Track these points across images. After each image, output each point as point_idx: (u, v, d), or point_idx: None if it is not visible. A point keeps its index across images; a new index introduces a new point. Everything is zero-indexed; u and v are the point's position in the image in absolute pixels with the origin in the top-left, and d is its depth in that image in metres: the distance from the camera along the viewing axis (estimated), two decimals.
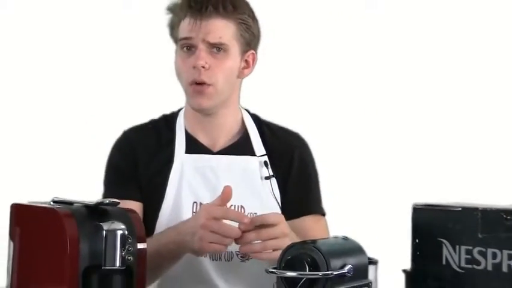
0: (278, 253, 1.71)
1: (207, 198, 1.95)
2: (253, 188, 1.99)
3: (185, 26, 1.94)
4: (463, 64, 3.48)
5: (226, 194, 1.80)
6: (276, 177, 2.02)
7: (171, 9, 2.00)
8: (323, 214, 2.09)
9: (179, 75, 1.99)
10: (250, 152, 2.04)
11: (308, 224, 2.02)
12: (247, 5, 2.00)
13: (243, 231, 1.76)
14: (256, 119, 2.10)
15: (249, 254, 1.81)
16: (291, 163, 2.05)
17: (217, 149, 2.03)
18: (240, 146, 2.03)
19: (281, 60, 3.32)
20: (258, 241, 1.77)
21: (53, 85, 3.40)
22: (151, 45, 3.16)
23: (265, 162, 2.02)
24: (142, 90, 3.32)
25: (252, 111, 2.12)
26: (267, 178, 2.01)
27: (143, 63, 3.32)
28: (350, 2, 3.52)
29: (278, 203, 2.01)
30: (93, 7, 3.41)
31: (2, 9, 3.36)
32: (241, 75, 2.02)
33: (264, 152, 2.04)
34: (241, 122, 2.08)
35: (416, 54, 3.51)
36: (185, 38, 1.95)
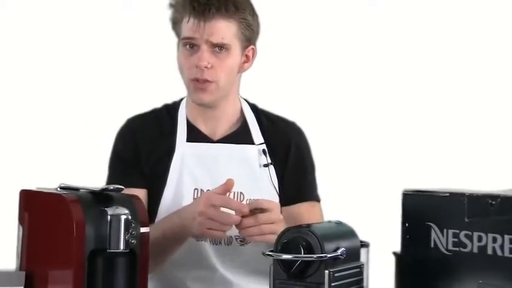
0: (273, 236, 1.74)
1: (207, 185, 2.00)
2: (252, 175, 2.04)
3: (188, 27, 1.97)
4: (458, 61, 3.49)
5: (229, 185, 1.84)
6: (273, 165, 2.06)
7: (173, 5, 2.02)
8: (318, 200, 2.13)
9: (181, 70, 2.02)
10: (249, 141, 2.08)
11: (304, 210, 2.06)
12: (247, 1, 2.03)
13: (242, 217, 1.81)
14: (254, 108, 2.14)
15: (247, 237, 1.86)
16: (288, 151, 2.09)
17: (217, 137, 2.08)
18: (239, 135, 2.08)
19: (282, 55, 3.32)
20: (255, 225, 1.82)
21: (55, 83, 3.40)
22: (150, 44, 3.19)
23: (264, 151, 2.06)
24: (142, 86, 3.33)
25: (251, 101, 2.16)
26: (265, 166, 2.05)
27: (143, 62, 3.33)
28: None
29: (276, 189, 2.05)
30: (93, 7, 3.40)
31: (2, 9, 3.35)
32: (241, 70, 2.06)
33: (262, 141, 2.08)
34: (240, 111, 2.11)
35: (413, 51, 3.52)
36: (188, 38, 1.97)
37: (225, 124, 2.09)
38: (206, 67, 1.96)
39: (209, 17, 1.95)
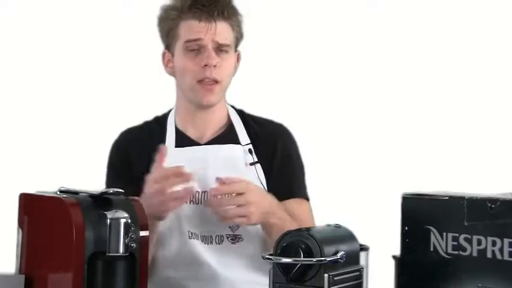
0: (243, 219, 1.87)
1: (197, 186, 2.04)
2: (239, 174, 2.05)
3: (194, 28, 2.03)
4: (458, 63, 3.50)
5: (161, 154, 1.91)
6: (260, 164, 2.10)
7: (165, 15, 2.08)
8: (307, 199, 2.16)
9: (183, 74, 2.07)
10: (236, 142, 2.12)
11: (292, 205, 2.09)
12: (237, 10, 2.11)
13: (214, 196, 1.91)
14: (241, 113, 2.19)
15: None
16: (275, 149, 2.13)
17: (204, 141, 2.13)
18: (226, 137, 2.13)
19: (280, 56, 3.34)
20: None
21: (55, 84, 3.41)
22: (151, 44, 3.18)
23: (250, 150, 2.10)
24: (142, 88, 3.34)
25: (238, 106, 2.20)
26: (251, 164, 2.09)
27: (143, 61, 3.32)
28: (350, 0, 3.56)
29: (264, 187, 2.08)
30: (93, 6, 3.41)
31: (2, 8, 3.37)
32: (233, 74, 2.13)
33: (249, 141, 2.12)
34: (227, 116, 2.17)
35: (412, 52, 3.53)
36: (195, 40, 2.03)
37: (212, 128, 2.14)
38: (214, 66, 2.02)
39: (214, 19, 2.03)
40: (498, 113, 3.50)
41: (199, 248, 2.04)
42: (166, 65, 2.13)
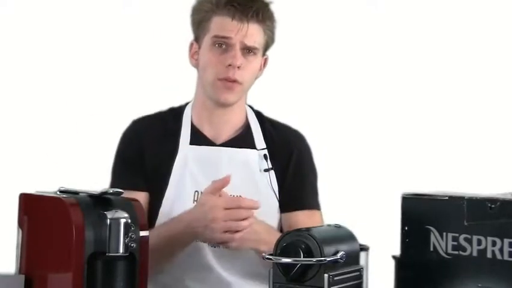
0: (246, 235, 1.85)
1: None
2: (252, 179, 2.05)
3: (224, 26, 2.01)
4: (458, 63, 3.49)
5: (226, 182, 1.88)
6: (274, 171, 2.08)
7: (202, 2, 2.06)
8: (318, 209, 2.14)
9: (206, 68, 2.05)
10: (251, 145, 2.10)
11: (302, 218, 2.07)
12: (273, 15, 2.09)
13: None
14: (259, 115, 2.17)
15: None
16: (290, 158, 2.11)
17: (220, 141, 2.09)
18: (242, 139, 2.10)
19: (280, 58, 3.33)
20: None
21: (55, 84, 3.40)
22: (151, 43, 3.19)
23: (265, 156, 2.08)
24: (142, 88, 3.33)
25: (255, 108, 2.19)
26: (266, 170, 2.07)
27: (143, 62, 3.33)
28: None
29: (276, 194, 2.07)
30: (93, 5, 3.41)
31: (2, 8, 3.36)
32: (257, 76, 2.11)
33: (265, 146, 2.10)
34: (245, 117, 2.14)
35: (412, 51, 3.52)
36: (223, 37, 2.01)
37: (229, 129, 2.12)
38: (238, 67, 2.00)
39: (247, 20, 2.01)
40: (498, 113, 3.50)
41: (206, 250, 2.02)
42: (191, 56, 2.10)
